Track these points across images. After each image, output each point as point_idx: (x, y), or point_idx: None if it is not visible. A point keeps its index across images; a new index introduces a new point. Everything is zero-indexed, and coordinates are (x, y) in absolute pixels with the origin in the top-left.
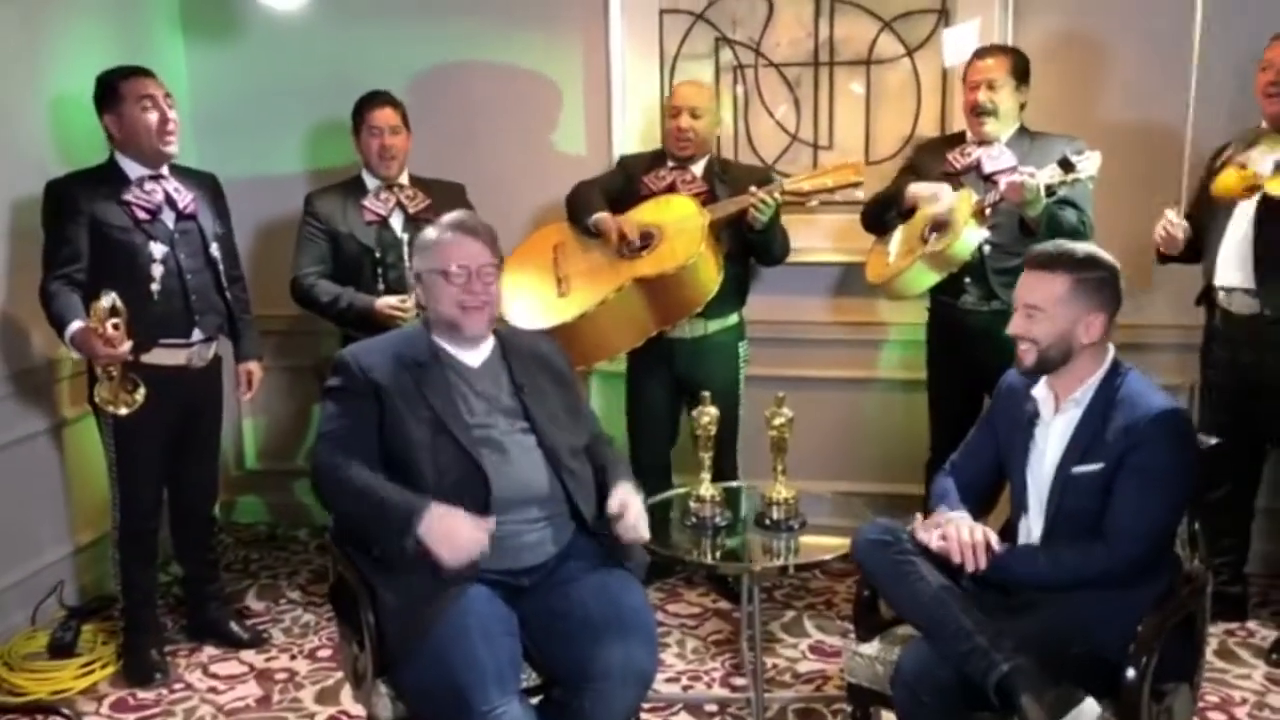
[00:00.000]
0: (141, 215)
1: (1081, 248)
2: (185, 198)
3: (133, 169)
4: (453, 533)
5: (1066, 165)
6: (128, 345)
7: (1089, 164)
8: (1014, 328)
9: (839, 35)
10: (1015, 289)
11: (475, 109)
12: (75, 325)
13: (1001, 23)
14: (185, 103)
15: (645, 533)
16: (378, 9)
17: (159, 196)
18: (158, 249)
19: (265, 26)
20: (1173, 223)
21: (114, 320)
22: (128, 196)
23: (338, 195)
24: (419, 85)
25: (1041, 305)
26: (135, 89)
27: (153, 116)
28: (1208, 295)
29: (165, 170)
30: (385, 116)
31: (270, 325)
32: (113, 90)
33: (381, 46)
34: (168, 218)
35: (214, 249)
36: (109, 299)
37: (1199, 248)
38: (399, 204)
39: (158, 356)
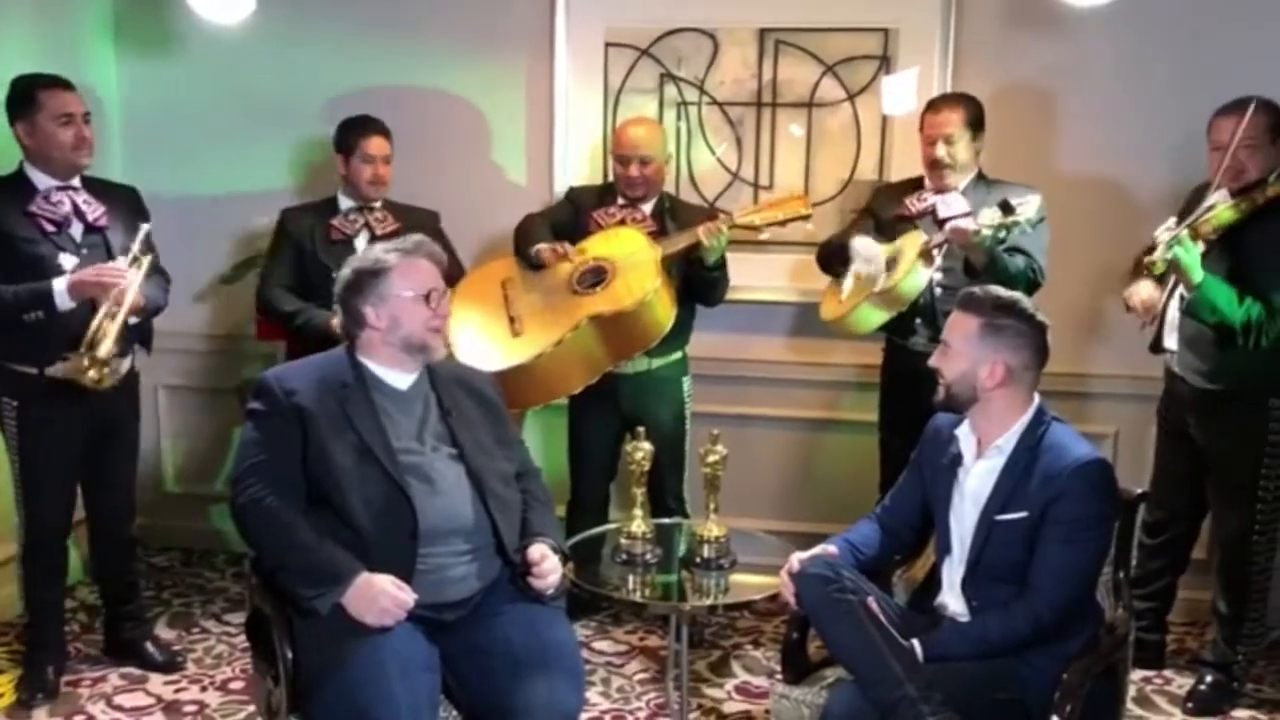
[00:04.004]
0: (48, 227)
1: (1007, 295)
2: (95, 210)
3: (41, 180)
4: (376, 600)
5: (1006, 208)
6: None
7: (1028, 208)
8: (931, 360)
9: (782, 77)
10: None
11: (414, 135)
12: (62, 279)
13: (941, 72)
14: (116, 115)
15: (551, 587)
16: (317, 29)
17: (66, 208)
18: (67, 260)
19: (201, 41)
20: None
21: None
22: (33, 208)
23: (310, 214)
24: (354, 107)
25: (951, 342)
26: (55, 104)
27: (68, 133)
28: (1159, 345)
29: (76, 182)
30: (380, 146)
31: (192, 345)
32: (30, 99)
33: (319, 66)
34: (75, 230)
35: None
36: None
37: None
38: (367, 225)
39: (59, 369)
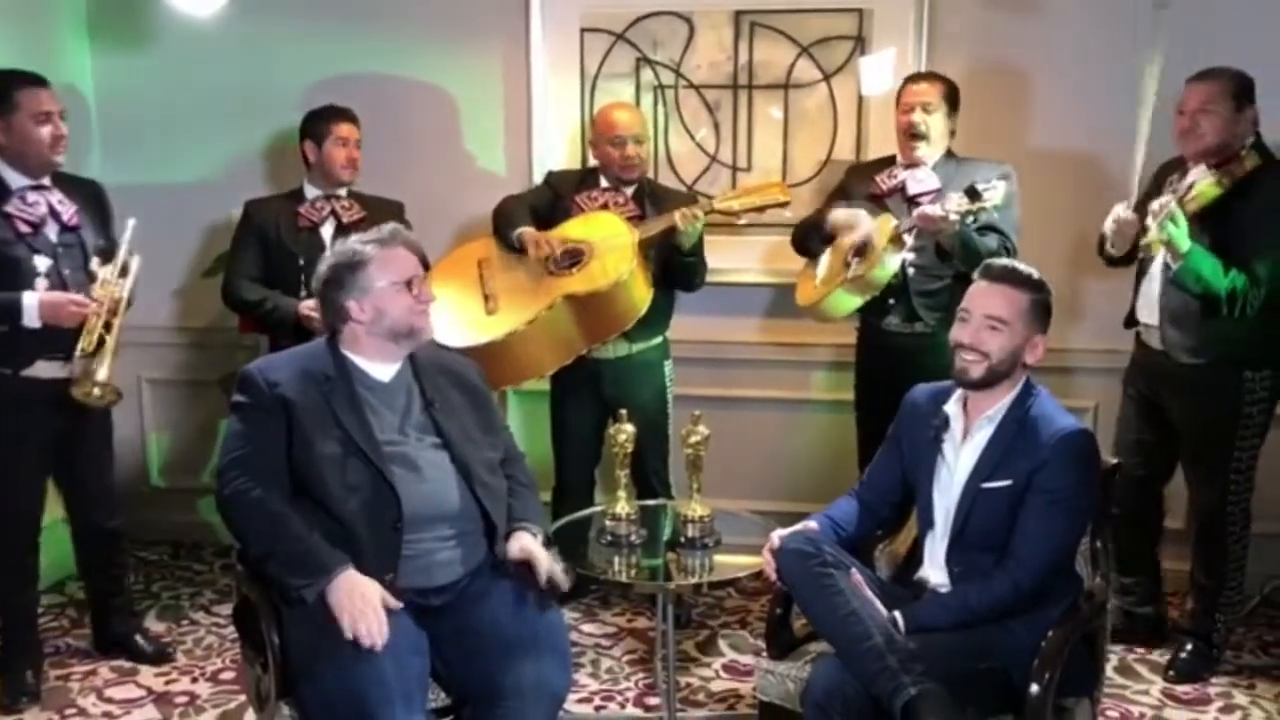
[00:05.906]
0: (24, 228)
1: (1025, 267)
2: (69, 210)
3: (14, 179)
4: (359, 607)
5: (973, 194)
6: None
7: (995, 193)
8: (968, 337)
9: (758, 59)
10: (967, 299)
11: (391, 125)
12: (33, 295)
13: (916, 53)
14: (92, 110)
15: (563, 582)
16: (290, 19)
17: (42, 209)
18: (41, 262)
19: (175, 34)
20: (1122, 218)
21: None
22: (9, 208)
23: (276, 204)
24: (330, 98)
25: (1007, 319)
26: (33, 103)
27: (46, 131)
28: (1134, 319)
29: (47, 180)
30: (352, 130)
31: (174, 338)
32: (7, 97)
33: (294, 57)
34: (51, 230)
35: (94, 264)
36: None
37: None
38: (333, 213)
39: (37, 370)
